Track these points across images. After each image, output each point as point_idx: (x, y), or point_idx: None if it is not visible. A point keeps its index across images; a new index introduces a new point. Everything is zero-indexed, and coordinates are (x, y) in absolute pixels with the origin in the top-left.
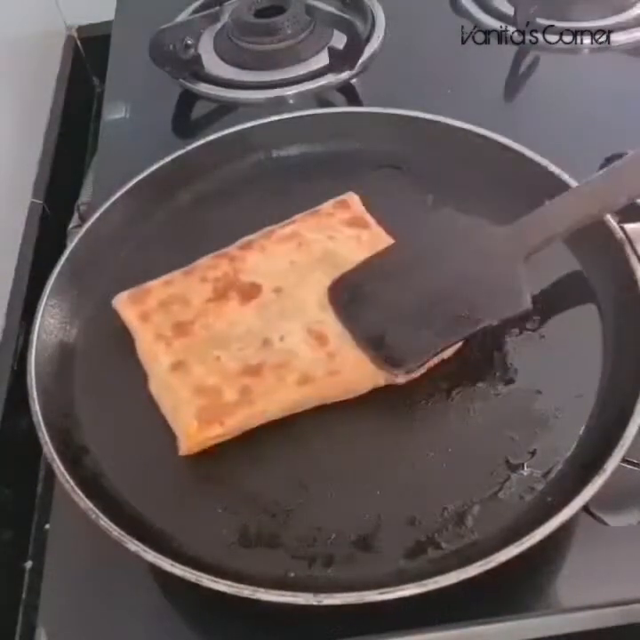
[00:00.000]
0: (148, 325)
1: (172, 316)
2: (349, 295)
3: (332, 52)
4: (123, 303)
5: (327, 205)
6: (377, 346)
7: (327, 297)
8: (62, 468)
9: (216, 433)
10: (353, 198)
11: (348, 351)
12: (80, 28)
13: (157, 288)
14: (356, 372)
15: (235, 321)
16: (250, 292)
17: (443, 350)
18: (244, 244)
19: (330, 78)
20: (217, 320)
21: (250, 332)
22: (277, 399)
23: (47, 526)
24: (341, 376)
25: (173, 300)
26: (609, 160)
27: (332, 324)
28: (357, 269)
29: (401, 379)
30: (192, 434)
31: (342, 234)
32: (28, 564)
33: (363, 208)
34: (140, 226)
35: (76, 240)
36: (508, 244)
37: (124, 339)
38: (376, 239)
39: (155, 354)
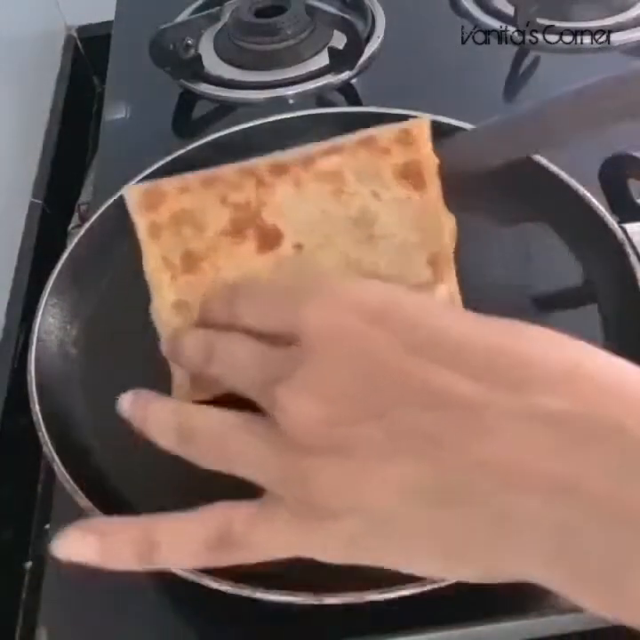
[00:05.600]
0: (157, 243)
1: (183, 242)
2: None
3: (332, 52)
4: (136, 204)
5: (387, 136)
6: None
7: None
8: (62, 468)
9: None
10: (421, 126)
11: None
12: (80, 28)
13: (172, 195)
14: None
15: (246, 271)
16: (270, 239)
17: None
18: (276, 167)
19: (330, 78)
20: (227, 263)
21: None
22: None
23: (47, 526)
24: None
25: (187, 217)
26: (609, 160)
27: None
28: None
29: None
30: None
31: (389, 193)
32: (28, 564)
33: (429, 145)
34: None
35: (75, 240)
36: None
37: (124, 338)
38: (427, 207)
39: (160, 283)
